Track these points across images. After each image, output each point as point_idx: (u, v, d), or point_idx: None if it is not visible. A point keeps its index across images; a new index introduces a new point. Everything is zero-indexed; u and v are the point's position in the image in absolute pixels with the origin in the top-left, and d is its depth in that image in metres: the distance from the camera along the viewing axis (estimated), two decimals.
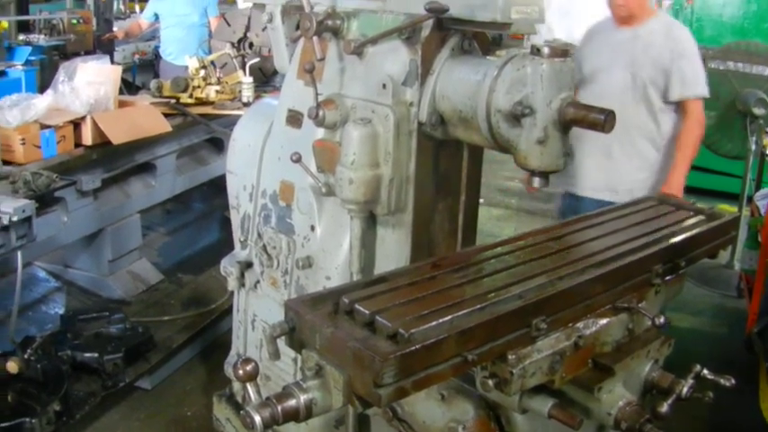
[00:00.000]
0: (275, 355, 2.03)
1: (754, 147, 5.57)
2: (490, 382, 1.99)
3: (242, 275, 3.33)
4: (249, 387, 1.85)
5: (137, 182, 4.74)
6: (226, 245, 5.44)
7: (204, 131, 5.15)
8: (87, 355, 3.72)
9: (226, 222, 5.54)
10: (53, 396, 3.40)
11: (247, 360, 1.85)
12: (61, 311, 4.34)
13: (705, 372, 2.46)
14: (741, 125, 5.59)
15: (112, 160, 4.35)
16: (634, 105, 4.16)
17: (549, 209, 7.58)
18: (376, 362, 1.67)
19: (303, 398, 1.83)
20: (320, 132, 2.82)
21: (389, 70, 2.61)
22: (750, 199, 5.75)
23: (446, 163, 2.77)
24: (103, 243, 4.54)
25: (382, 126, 2.60)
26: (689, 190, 7.48)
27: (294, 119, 3.02)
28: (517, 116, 2.26)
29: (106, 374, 3.70)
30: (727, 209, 6.02)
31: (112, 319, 4.02)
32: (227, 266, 3.35)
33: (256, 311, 3.36)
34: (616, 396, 2.30)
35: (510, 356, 1.97)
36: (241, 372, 1.84)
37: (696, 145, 4.21)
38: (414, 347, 1.73)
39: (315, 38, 2.68)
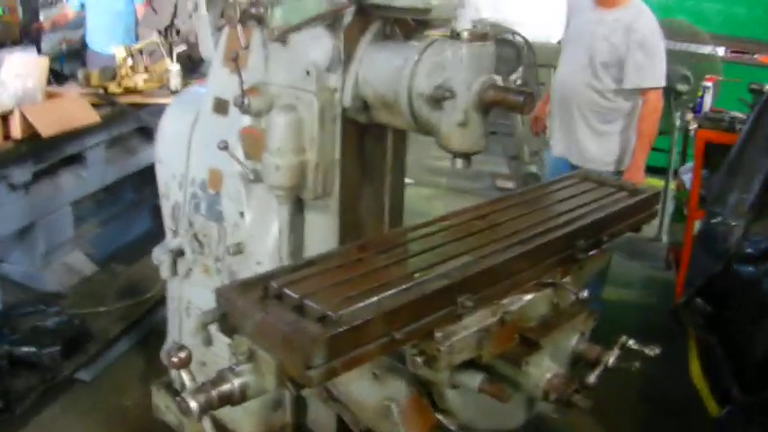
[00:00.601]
0: (207, 341, 2.06)
1: (678, 122, 5.71)
2: (419, 360, 2.04)
3: (174, 264, 3.33)
4: (183, 374, 1.87)
5: (67, 173, 4.68)
6: (158, 234, 5.41)
7: (134, 121, 5.10)
8: (24, 349, 3.69)
9: (157, 211, 5.49)
10: None
11: (181, 347, 1.87)
12: None
13: (631, 342, 2.53)
14: (666, 101, 5.71)
15: (42, 153, 4.30)
16: (586, 84, 4.48)
17: (477, 187, 7.70)
18: (306, 344, 1.71)
19: (237, 382, 1.86)
20: (246, 120, 2.83)
21: (313, 57, 2.63)
22: (676, 173, 5.91)
23: (371, 147, 2.81)
24: (36, 236, 4.49)
25: (307, 112, 2.63)
26: None
27: (221, 106, 3.03)
28: (438, 100, 2.30)
29: (45, 368, 3.67)
30: (655, 183, 6.19)
31: (48, 312, 3.98)
32: (159, 255, 3.34)
33: (190, 299, 3.37)
34: (543, 369, 2.36)
35: (437, 334, 2.02)
36: (175, 359, 1.86)
37: (651, 132, 4.52)
38: (342, 329, 1.77)
39: (239, 26, 2.69)
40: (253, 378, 1.87)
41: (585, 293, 2.43)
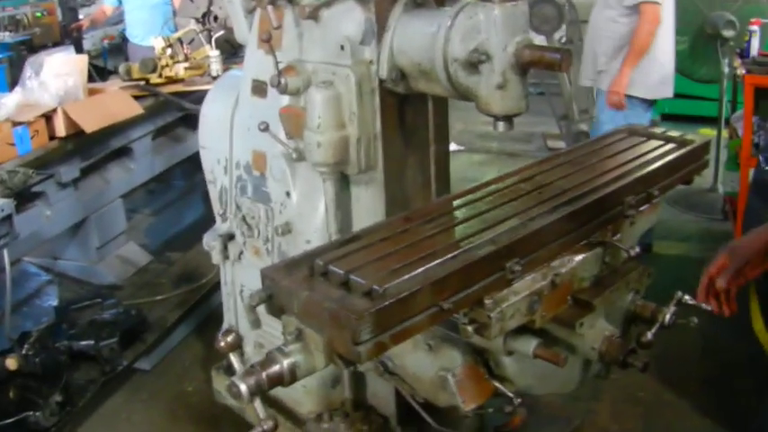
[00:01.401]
0: (256, 323, 2.07)
1: (726, 69, 5.56)
2: (469, 329, 2.02)
3: (225, 248, 3.36)
4: (232, 357, 1.88)
5: (115, 167, 4.73)
6: (210, 219, 5.48)
7: (178, 110, 5.12)
8: (83, 343, 3.74)
9: (209, 197, 5.58)
10: (53, 388, 3.42)
11: (228, 331, 1.89)
12: (55, 303, 4.36)
13: (687, 298, 2.49)
14: (713, 48, 5.58)
15: (88, 149, 4.35)
16: (605, 17, 4.94)
17: (529, 149, 7.63)
18: (352, 320, 1.70)
19: (286, 362, 1.86)
20: (285, 99, 2.83)
21: (346, 31, 2.62)
22: (727, 121, 5.77)
23: (412, 117, 2.79)
24: (89, 231, 4.54)
25: (344, 87, 2.62)
26: (669, 117, 7.58)
27: (259, 88, 3.03)
28: (474, 64, 2.27)
29: (104, 360, 3.72)
30: (708, 132, 6.06)
31: (105, 304, 4.03)
32: (210, 241, 3.37)
33: (243, 282, 3.39)
34: (598, 330, 2.34)
35: (486, 301, 2.00)
36: (223, 343, 1.87)
37: (642, 45, 4.80)
38: (388, 302, 1.75)
39: (269, 6, 2.68)
40: (302, 357, 1.87)
41: (637, 249, 2.38)
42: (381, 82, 2.60)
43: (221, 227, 3.39)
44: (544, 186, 2.50)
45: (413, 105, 2.77)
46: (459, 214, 2.30)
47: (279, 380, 1.85)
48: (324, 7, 2.66)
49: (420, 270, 1.91)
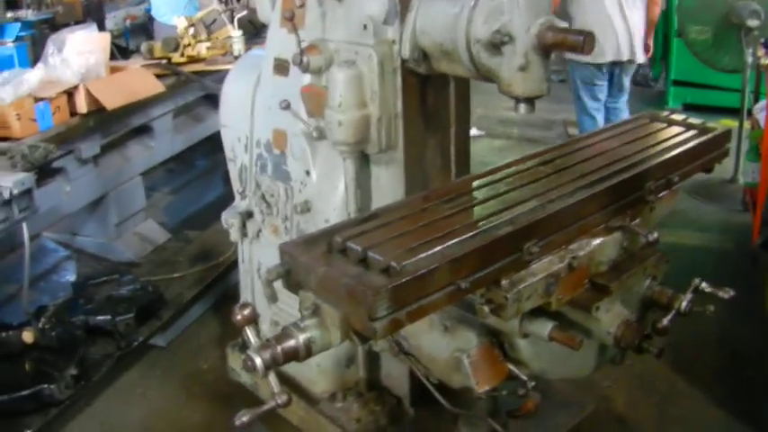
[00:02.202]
0: (273, 297, 2.07)
1: (750, 59, 5.51)
2: (486, 309, 2.02)
3: (243, 226, 3.37)
4: (248, 330, 1.89)
5: (135, 145, 4.75)
6: (230, 198, 5.49)
7: (199, 89, 5.13)
8: (100, 318, 3.77)
9: (228, 177, 5.59)
10: (69, 361, 3.46)
11: (244, 305, 1.88)
12: (72, 279, 4.39)
13: (704, 285, 2.48)
14: (736, 38, 5.52)
15: (109, 126, 4.35)
16: None
17: (549, 136, 7.58)
18: (368, 296, 1.71)
19: (302, 337, 1.87)
20: (307, 78, 2.83)
21: (369, 10, 2.61)
22: (749, 112, 5.71)
23: (433, 97, 2.78)
24: (108, 208, 4.57)
25: (366, 66, 2.61)
26: (691, 107, 7.52)
27: (281, 67, 3.03)
28: (497, 45, 2.26)
29: (120, 335, 3.75)
30: (729, 123, 6.00)
31: (122, 281, 4.06)
32: (229, 218, 3.38)
33: (261, 260, 3.40)
34: (615, 315, 2.33)
35: (503, 282, 2.00)
36: (239, 316, 1.87)
37: (656, 18, 5.86)
38: (404, 279, 1.76)
39: None
40: (318, 333, 1.88)
41: (654, 236, 2.37)
42: (404, 62, 2.60)
43: (240, 204, 3.40)
44: (564, 170, 2.50)
45: (434, 86, 2.76)
46: (478, 195, 2.30)
47: (294, 354, 1.86)
48: None
49: (438, 248, 1.92)
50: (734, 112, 6.42)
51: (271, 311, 3.34)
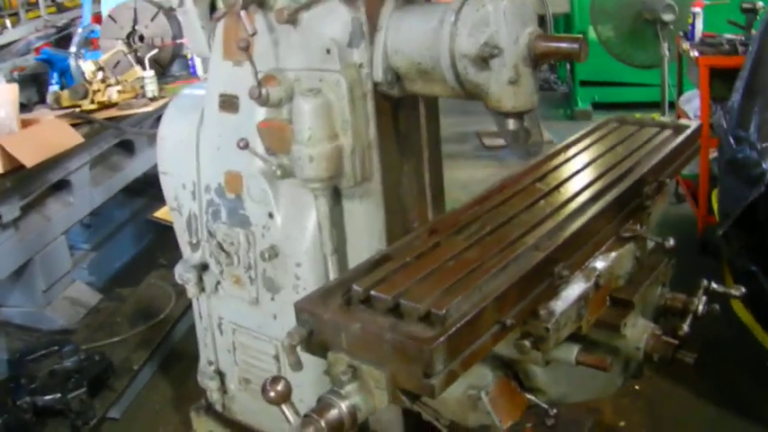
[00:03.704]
0: (297, 365, 1.83)
1: (667, 53, 5.56)
2: (527, 343, 1.85)
3: (200, 280, 3.11)
4: (285, 408, 1.65)
5: (54, 203, 4.40)
6: (156, 248, 5.22)
7: (113, 136, 4.81)
8: (49, 397, 3.42)
9: (150, 226, 5.29)
10: None
11: (276, 379, 1.64)
12: (5, 356, 4.00)
13: (714, 285, 2.41)
14: (652, 33, 5.57)
15: (26, 185, 4.01)
16: None
17: (465, 149, 7.53)
18: (424, 351, 1.51)
19: (344, 405, 1.64)
20: (261, 113, 2.61)
21: (331, 33, 2.41)
22: (673, 105, 5.77)
23: (405, 121, 2.61)
24: (34, 274, 4.21)
25: (334, 94, 2.41)
26: (612, 106, 7.63)
27: (229, 103, 2.79)
28: (485, 58, 2.11)
29: (74, 414, 3.41)
30: (655, 117, 6.05)
31: (63, 352, 3.71)
32: (183, 274, 3.10)
33: (222, 314, 3.14)
34: (640, 329, 2.22)
35: (542, 312, 1.84)
36: (272, 393, 1.63)
37: None
38: (457, 326, 1.57)
39: (242, 12, 2.45)
40: (361, 397, 1.66)
41: (672, 242, 2.26)
42: (375, 85, 2.41)
43: (193, 257, 3.13)
44: (561, 184, 2.37)
45: (405, 109, 2.59)
46: (486, 222, 2.13)
47: (339, 426, 1.63)
48: (303, 10, 2.45)
49: (473, 287, 1.74)
50: (644, 106, 6.53)
51: (238, 368, 3.10)
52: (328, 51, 2.41)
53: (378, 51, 2.37)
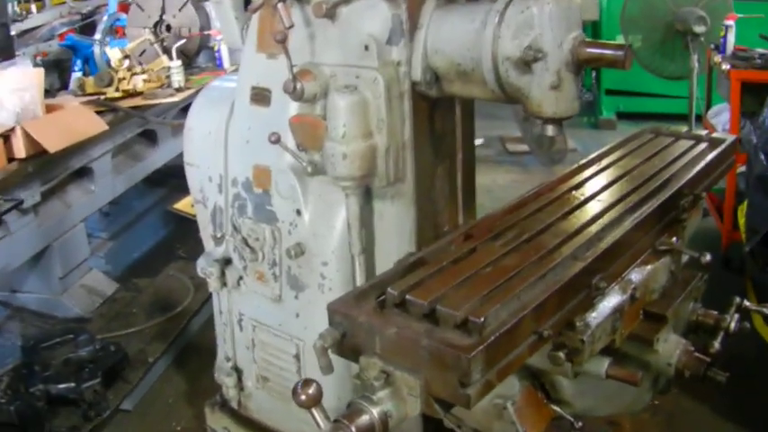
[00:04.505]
0: (328, 368, 1.79)
1: (696, 65, 5.50)
2: (562, 355, 1.81)
3: (222, 275, 3.07)
4: (315, 412, 1.61)
5: (75, 189, 4.38)
6: (175, 240, 5.19)
7: (137, 125, 4.80)
8: (62, 386, 3.39)
9: (169, 217, 5.27)
10: None
11: (308, 382, 1.60)
12: (19, 342, 3.98)
13: (747, 303, 2.37)
14: (682, 45, 5.51)
15: (48, 170, 3.99)
16: None
17: (488, 154, 7.46)
18: (462, 359, 1.47)
19: (376, 411, 1.60)
20: (294, 107, 2.57)
21: (370, 29, 2.37)
22: (700, 118, 5.71)
23: (441, 123, 2.57)
24: (51, 260, 4.19)
25: (371, 91, 2.37)
26: (637, 116, 7.58)
27: (260, 96, 2.76)
28: (528, 62, 2.07)
29: (87, 404, 3.38)
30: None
31: (79, 341, 3.69)
32: (206, 267, 3.07)
33: (242, 310, 3.10)
34: (672, 344, 2.18)
35: (578, 324, 1.80)
36: (303, 397, 1.59)
37: None
38: (496, 335, 1.53)
39: (280, 4, 2.42)
40: (392, 404, 1.62)
41: (708, 257, 2.21)
42: (413, 85, 2.37)
43: (216, 251, 3.09)
44: (598, 194, 2.33)
45: (442, 110, 2.55)
46: (523, 228, 2.08)
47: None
48: (342, 4, 2.41)
49: (513, 294, 1.69)
50: (669, 118, 6.45)
51: (256, 366, 3.07)
52: (366, 48, 2.37)
53: (417, 50, 2.33)
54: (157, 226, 5.37)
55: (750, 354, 3.90)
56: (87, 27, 7.60)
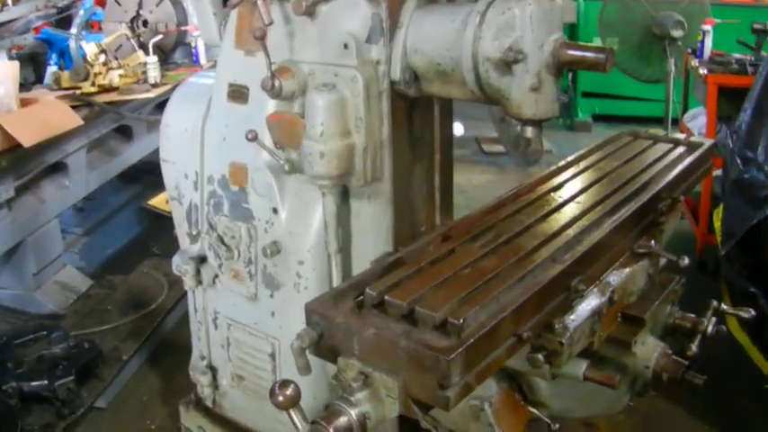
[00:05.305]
0: (306, 368, 1.77)
1: (673, 69, 5.53)
2: (541, 357, 1.80)
3: (198, 272, 3.04)
4: (293, 414, 1.59)
5: (49, 185, 4.33)
6: (150, 237, 5.15)
7: (112, 120, 4.75)
8: (36, 383, 3.35)
9: (144, 213, 5.22)
10: None
11: (285, 383, 1.59)
12: None
13: (723, 306, 2.38)
14: (659, 48, 5.54)
15: (22, 165, 3.95)
16: None
17: (464, 154, 7.45)
18: (441, 361, 1.46)
19: (354, 413, 1.59)
20: (271, 105, 2.55)
21: (349, 28, 2.35)
22: (676, 121, 5.75)
23: (419, 123, 2.55)
24: (25, 256, 4.14)
25: (349, 90, 2.35)
26: (613, 119, 7.62)
27: (238, 94, 2.73)
28: (509, 63, 2.06)
29: (60, 401, 3.34)
30: (656, 132, 6.03)
31: (52, 338, 3.64)
32: (181, 265, 3.04)
33: (217, 308, 3.07)
34: (650, 347, 2.18)
35: (557, 326, 1.80)
36: (281, 398, 1.57)
37: None
38: (476, 337, 1.52)
39: (259, 1, 2.39)
40: (371, 406, 1.61)
41: (687, 260, 2.22)
42: (392, 84, 2.36)
43: (191, 248, 3.07)
44: (577, 196, 2.33)
45: (420, 110, 2.53)
46: (503, 230, 2.08)
47: None
48: (322, 2, 2.40)
49: (492, 296, 1.69)
50: (645, 121, 6.50)
51: (231, 364, 3.04)
52: (346, 46, 2.35)
53: (397, 49, 2.31)
54: (132, 222, 5.34)
55: (724, 356, 3.93)
56: (63, 21, 7.52)
